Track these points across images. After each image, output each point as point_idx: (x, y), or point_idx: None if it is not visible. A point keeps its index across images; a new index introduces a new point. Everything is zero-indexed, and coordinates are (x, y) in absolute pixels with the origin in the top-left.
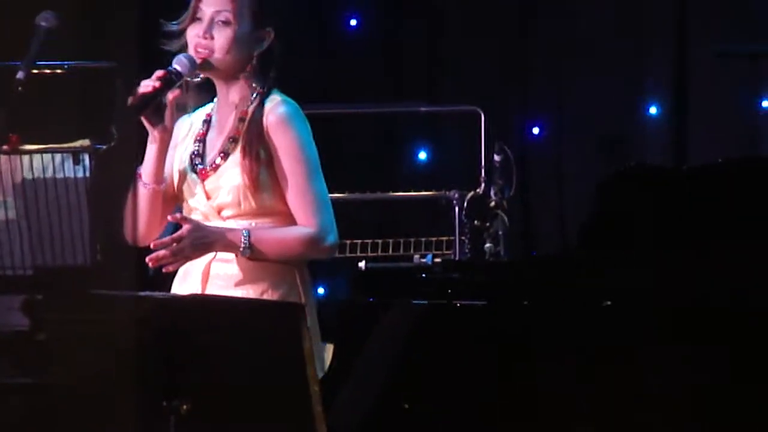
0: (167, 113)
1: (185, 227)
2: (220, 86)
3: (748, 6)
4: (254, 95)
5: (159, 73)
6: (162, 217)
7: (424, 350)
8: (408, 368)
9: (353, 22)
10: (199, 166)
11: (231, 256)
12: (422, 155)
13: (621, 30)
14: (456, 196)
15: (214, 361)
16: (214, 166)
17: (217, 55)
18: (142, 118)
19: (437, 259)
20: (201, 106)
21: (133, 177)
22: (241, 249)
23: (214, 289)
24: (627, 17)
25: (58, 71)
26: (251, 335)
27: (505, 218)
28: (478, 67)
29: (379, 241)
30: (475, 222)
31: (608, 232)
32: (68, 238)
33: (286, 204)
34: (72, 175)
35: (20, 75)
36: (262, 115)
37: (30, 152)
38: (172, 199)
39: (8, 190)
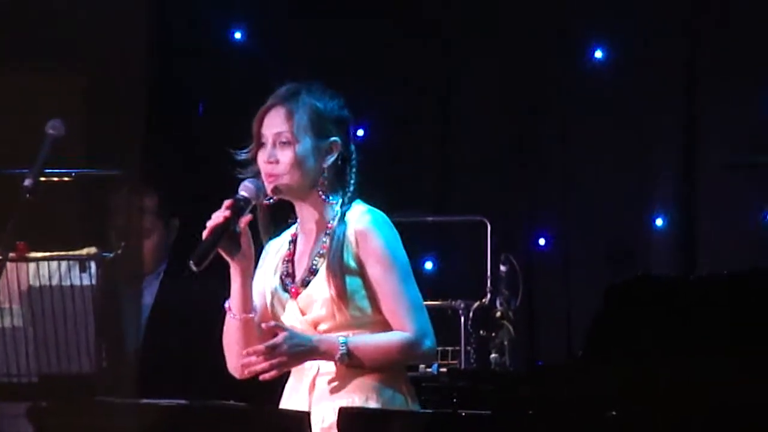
0: (243, 240)
1: (281, 335)
2: (298, 206)
3: (755, 116)
4: (336, 209)
5: (227, 202)
6: (261, 342)
7: None
8: None
9: (360, 132)
10: (290, 285)
11: (333, 368)
12: (428, 265)
13: (628, 141)
14: (462, 306)
15: None
16: (304, 282)
17: (284, 177)
18: (220, 251)
19: (443, 369)
20: (286, 228)
21: (137, 286)
22: (338, 356)
23: (322, 401)
24: (634, 128)
25: (66, 179)
26: None
27: (511, 328)
28: (485, 178)
29: None
30: (481, 332)
31: (614, 342)
32: (73, 346)
33: (380, 312)
34: (78, 283)
35: (28, 182)
36: (345, 227)
37: (36, 260)
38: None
39: (14, 298)
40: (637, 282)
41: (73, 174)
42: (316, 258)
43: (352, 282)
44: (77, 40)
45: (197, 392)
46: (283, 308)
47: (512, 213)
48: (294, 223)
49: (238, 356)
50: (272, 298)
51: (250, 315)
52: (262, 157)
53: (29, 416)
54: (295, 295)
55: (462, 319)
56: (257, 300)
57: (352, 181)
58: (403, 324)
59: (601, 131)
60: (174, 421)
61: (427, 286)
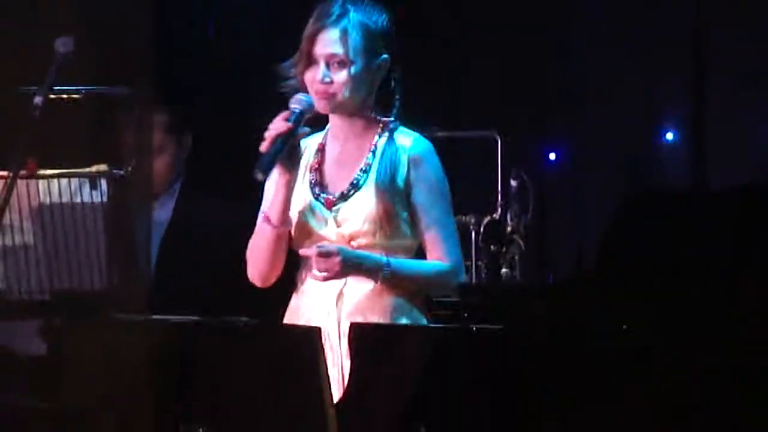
0: (296, 153)
1: (334, 246)
2: (336, 118)
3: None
4: (381, 127)
5: (284, 114)
6: (285, 254)
7: (440, 375)
8: (424, 392)
9: None
10: (323, 195)
11: (359, 285)
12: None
13: (637, 54)
14: (473, 220)
15: (230, 384)
16: (343, 195)
17: (339, 96)
18: (277, 165)
19: None
20: (308, 136)
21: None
22: (382, 275)
23: (347, 318)
24: (643, 41)
25: (75, 96)
26: (268, 359)
27: (522, 243)
28: (495, 93)
29: None
30: (492, 247)
31: (625, 256)
32: (85, 263)
33: (415, 237)
34: (89, 200)
35: (37, 100)
36: (396, 149)
37: (47, 177)
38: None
39: (25, 215)
40: (647, 196)
41: (83, 92)
42: (360, 173)
43: (398, 203)
44: None
45: (213, 309)
46: (315, 218)
47: (523, 128)
48: (315, 132)
49: (266, 264)
50: (298, 205)
51: (289, 227)
52: (312, 75)
53: (42, 334)
54: (329, 205)
55: (473, 234)
56: None
57: (397, 97)
58: (442, 254)
59: (610, 45)
60: (185, 337)
61: None
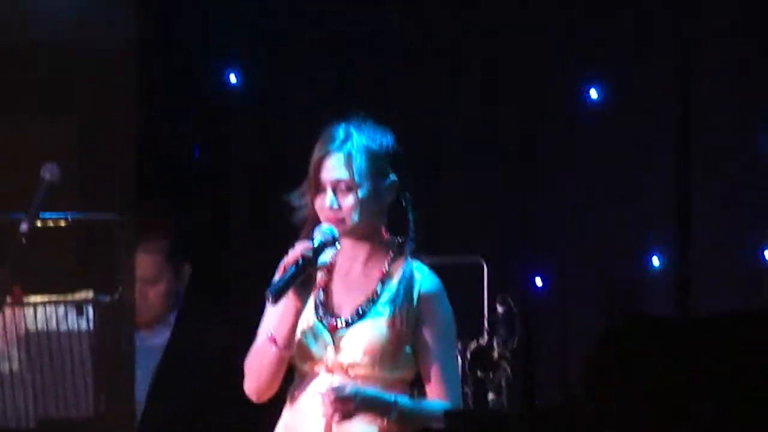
0: (312, 283)
1: (348, 387)
2: (347, 240)
3: (753, 154)
4: (393, 255)
5: (307, 245)
6: (283, 374)
7: None
8: None
9: None
10: (328, 318)
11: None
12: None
13: (623, 181)
14: (459, 347)
15: None
16: (347, 322)
17: (348, 222)
18: (291, 291)
19: None
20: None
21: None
22: (389, 416)
23: None
24: (629, 168)
25: (62, 223)
26: None
27: (508, 369)
28: (480, 219)
29: None
30: (479, 373)
31: (611, 383)
32: (71, 390)
33: (411, 372)
34: (75, 327)
35: (24, 227)
36: (413, 283)
37: (33, 304)
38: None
39: (12, 343)
40: (633, 323)
41: (69, 218)
42: (366, 301)
43: (403, 338)
44: (71, 85)
45: None
46: (315, 338)
47: (508, 254)
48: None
49: (264, 382)
50: (305, 324)
51: (292, 352)
52: (321, 202)
53: None
54: (332, 329)
55: (459, 359)
56: None
57: (413, 216)
58: (443, 394)
59: (596, 171)
60: None
61: None
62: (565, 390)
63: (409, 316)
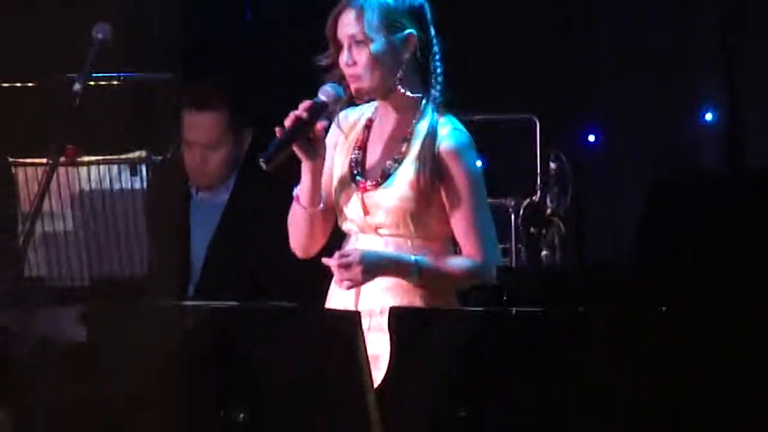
0: (318, 143)
1: (356, 254)
2: (382, 104)
3: None
4: (420, 113)
5: (305, 104)
6: (325, 230)
7: (481, 358)
8: (465, 376)
9: None
10: (359, 178)
11: (382, 280)
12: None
13: (675, 37)
14: (512, 204)
15: (270, 370)
16: (374, 183)
17: (364, 79)
18: (296, 150)
19: None
20: (355, 107)
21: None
22: (409, 277)
23: (367, 296)
24: (679, 24)
25: (115, 83)
26: (307, 344)
27: (561, 225)
28: (533, 76)
29: None
30: (532, 229)
31: (664, 237)
32: (125, 249)
33: (446, 228)
34: (129, 186)
35: (77, 87)
36: (434, 141)
37: (87, 164)
38: (332, 210)
39: (66, 202)
40: (685, 179)
41: (122, 78)
42: (391, 162)
43: (428, 199)
44: None
45: (263, 295)
46: (347, 199)
47: (561, 110)
48: (373, 102)
49: (302, 238)
50: (339, 183)
51: (319, 208)
52: (341, 60)
53: (83, 320)
54: (362, 190)
55: (513, 216)
56: (324, 177)
57: (438, 72)
58: (474, 250)
59: (646, 29)
60: (226, 323)
61: None
62: (617, 246)
63: (431, 174)
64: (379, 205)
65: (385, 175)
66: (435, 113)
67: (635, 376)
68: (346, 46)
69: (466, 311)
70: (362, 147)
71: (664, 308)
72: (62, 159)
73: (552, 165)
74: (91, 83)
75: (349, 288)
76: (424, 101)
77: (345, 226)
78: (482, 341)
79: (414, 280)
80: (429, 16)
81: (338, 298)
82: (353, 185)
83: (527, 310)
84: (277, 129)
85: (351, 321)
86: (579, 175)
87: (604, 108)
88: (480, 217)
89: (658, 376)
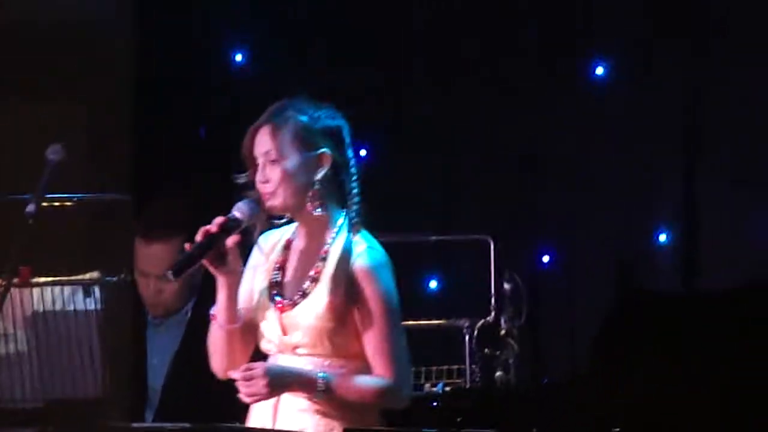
0: (230, 258)
1: (260, 367)
2: (294, 217)
3: (760, 130)
4: (335, 233)
5: (218, 219)
6: (245, 349)
7: None
8: None
9: (363, 152)
10: (277, 298)
11: (297, 400)
12: (433, 283)
13: (630, 158)
14: (466, 324)
15: None
16: (292, 302)
17: (276, 196)
18: (208, 266)
19: (448, 388)
20: (285, 224)
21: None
22: (315, 392)
23: (285, 419)
24: (636, 145)
25: (68, 204)
26: None
27: (516, 346)
28: (487, 197)
29: None
30: (486, 350)
31: (618, 358)
32: (79, 370)
33: (361, 346)
34: (82, 308)
35: (30, 208)
36: (349, 260)
37: (40, 285)
38: (253, 327)
39: (19, 323)
40: (639, 299)
41: (75, 199)
42: (308, 282)
43: (344, 317)
44: (75, 68)
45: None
46: (265, 319)
47: (515, 231)
48: (293, 222)
49: (222, 359)
50: (257, 301)
51: (235, 325)
52: (256, 178)
53: None
54: (280, 310)
55: (467, 337)
56: (242, 297)
57: (354, 192)
58: (386, 369)
59: (602, 148)
60: None
61: (432, 304)
62: (572, 366)
63: (346, 293)
64: (296, 324)
65: (303, 295)
66: (350, 232)
67: None
68: (261, 163)
69: None
70: (282, 268)
71: (617, 430)
72: (16, 280)
73: (506, 285)
74: (45, 204)
75: (254, 402)
76: (339, 220)
77: (264, 346)
78: None
79: (321, 396)
80: (347, 138)
81: (257, 418)
82: (271, 305)
83: (481, 431)
84: (186, 244)
85: None
86: (533, 295)
87: (558, 228)
88: (392, 337)
89: None
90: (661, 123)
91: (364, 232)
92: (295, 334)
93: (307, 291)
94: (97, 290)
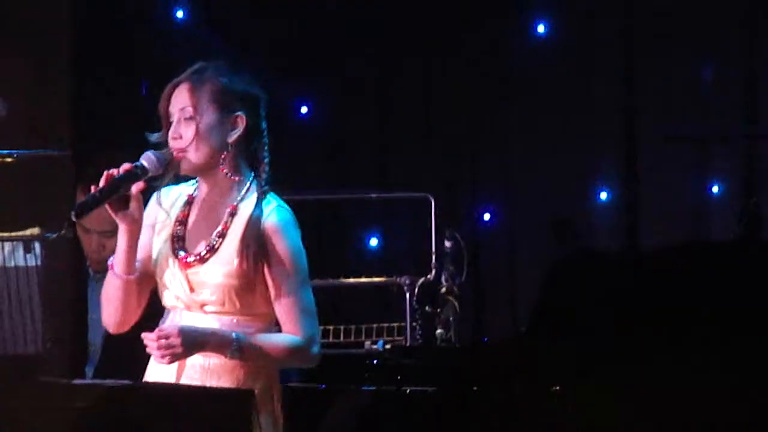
0: (133, 205)
1: (175, 328)
2: (203, 180)
3: (697, 90)
4: (244, 191)
5: (125, 166)
6: (139, 303)
7: None
8: None
9: (304, 110)
10: (181, 253)
11: (204, 355)
12: (373, 241)
13: (570, 115)
14: (407, 282)
15: None
16: (199, 258)
17: (189, 152)
18: (109, 210)
19: (388, 346)
20: (183, 182)
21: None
22: (229, 352)
23: (188, 377)
24: (576, 102)
25: (8, 159)
26: (200, 423)
27: (456, 304)
28: (428, 154)
29: (330, 327)
30: (426, 308)
31: (558, 317)
32: (19, 327)
33: (269, 306)
34: (23, 264)
35: None
36: (260, 217)
37: None
38: (148, 281)
39: None
40: (579, 258)
41: (15, 155)
42: (216, 237)
43: (251, 275)
44: (16, 22)
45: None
46: (170, 277)
47: (456, 188)
48: (192, 179)
49: (116, 312)
50: (159, 256)
51: (132, 276)
52: (169, 134)
53: None
54: (185, 266)
55: (407, 295)
56: (141, 252)
57: (265, 160)
58: (294, 328)
59: (543, 105)
60: (118, 402)
61: (372, 262)
62: (513, 325)
63: (256, 250)
64: (204, 282)
65: (211, 249)
66: (259, 193)
67: None
68: (175, 120)
69: (360, 390)
70: (183, 223)
71: (557, 387)
72: None
73: (447, 243)
74: None
75: (169, 363)
76: (248, 183)
77: (168, 303)
78: (376, 419)
79: (235, 356)
80: (263, 108)
81: (158, 376)
82: (175, 261)
83: (421, 389)
84: (92, 186)
85: (245, 399)
86: (474, 253)
87: (500, 186)
88: (301, 295)
89: None
90: (601, 81)
91: (271, 193)
92: (203, 292)
93: (215, 246)
94: (37, 246)
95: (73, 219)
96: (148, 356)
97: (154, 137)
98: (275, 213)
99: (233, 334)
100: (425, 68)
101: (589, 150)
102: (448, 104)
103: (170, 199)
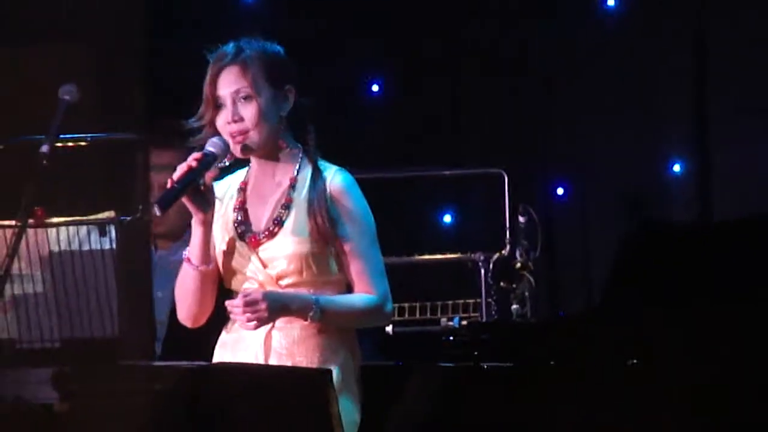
0: (209, 194)
1: (259, 293)
2: (258, 158)
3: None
4: (300, 160)
5: (196, 155)
6: (213, 294)
7: (451, 413)
8: (436, 431)
9: (375, 88)
10: (249, 234)
11: (288, 325)
12: (447, 218)
13: (642, 88)
14: (482, 258)
15: (243, 428)
16: (267, 233)
17: (253, 133)
18: (186, 202)
19: (464, 322)
20: (230, 173)
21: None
22: (311, 315)
23: (275, 358)
24: (647, 75)
25: (82, 144)
26: (279, 402)
27: (531, 279)
28: (502, 129)
29: (406, 305)
30: (502, 284)
31: (634, 289)
32: (95, 310)
33: (341, 270)
34: (98, 247)
35: (44, 148)
36: (318, 182)
37: (56, 225)
38: (218, 273)
39: (35, 264)
40: (654, 230)
41: (89, 139)
42: (282, 209)
43: (322, 239)
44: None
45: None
46: (240, 258)
47: (529, 164)
48: (238, 169)
49: (193, 305)
50: (226, 246)
51: (210, 266)
52: (223, 118)
53: (53, 381)
54: (255, 245)
55: (482, 271)
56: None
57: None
58: (369, 287)
59: (614, 77)
60: (195, 383)
61: (447, 239)
62: (588, 298)
63: (324, 214)
64: (277, 253)
65: (278, 223)
66: (315, 162)
67: (607, 429)
68: (229, 103)
69: (437, 366)
70: (241, 208)
71: (634, 361)
72: (31, 221)
73: (521, 219)
74: (59, 144)
75: (255, 328)
76: (301, 153)
77: (240, 287)
78: (454, 396)
79: (316, 318)
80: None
81: (240, 356)
82: (243, 244)
83: (498, 364)
84: (169, 179)
85: (323, 377)
86: (548, 228)
87: (572, 160)
88: (373, 253)
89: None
90: (674, 52)
91: (323, 161)
92: (278, 264)
93: (282, 219)
94: (113, 229)
95: (157, 213)
96: (215, 332)
97: (195, 122)
98: (338, 175)
99: (314, 296)
100: (493, 43)
101: (661, 122)
102: (519, 79)
103: (221, 191)
